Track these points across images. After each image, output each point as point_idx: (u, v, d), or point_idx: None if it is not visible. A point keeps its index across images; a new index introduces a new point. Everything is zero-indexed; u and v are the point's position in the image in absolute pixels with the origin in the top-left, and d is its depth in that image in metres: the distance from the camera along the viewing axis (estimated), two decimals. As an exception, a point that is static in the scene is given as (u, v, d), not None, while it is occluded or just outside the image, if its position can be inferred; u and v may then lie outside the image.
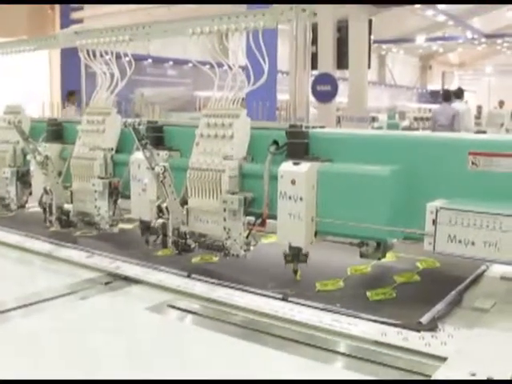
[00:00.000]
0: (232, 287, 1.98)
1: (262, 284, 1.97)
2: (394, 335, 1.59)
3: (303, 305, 1.81)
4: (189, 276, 2.08)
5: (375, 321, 1.68)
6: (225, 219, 2.08)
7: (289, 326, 1.70)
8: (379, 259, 2.02)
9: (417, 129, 15.69)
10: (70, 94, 10.22)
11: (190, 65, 17.43)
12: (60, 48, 3.56)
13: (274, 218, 2.03)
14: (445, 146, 1.89)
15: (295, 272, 2.03)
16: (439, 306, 1.77)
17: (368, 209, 1.85)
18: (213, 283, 2.01)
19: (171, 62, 18.12)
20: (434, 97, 32.80)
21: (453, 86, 35.18)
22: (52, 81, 11.82)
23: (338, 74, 12.26)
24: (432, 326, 1.63)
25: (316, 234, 1.98)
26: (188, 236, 2.21)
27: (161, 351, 1.54)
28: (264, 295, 1.89)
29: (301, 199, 1.93)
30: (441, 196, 1.77)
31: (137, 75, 14.02)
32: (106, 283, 2.08)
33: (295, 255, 2.00)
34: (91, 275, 2.16)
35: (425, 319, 1.67)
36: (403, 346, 1.54)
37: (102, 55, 2.70)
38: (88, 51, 2.73)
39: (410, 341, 1.56)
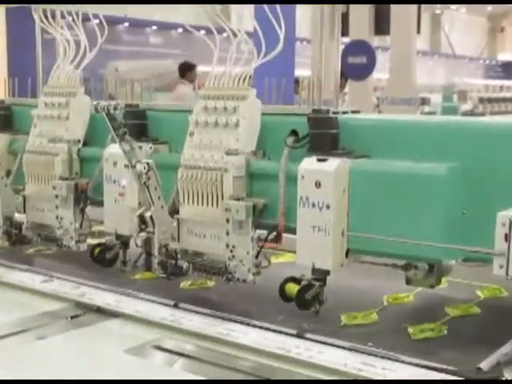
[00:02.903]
0: (233, 320, 1.99)
1: (271, 316, 1.99)
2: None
3: (324, 343, 1.82)
4: (176, 306, 2.10)
5: (419, 365, 1.68)
6: (228, 233, 2.10)
7: (305, 372, 1.70)
8: (432, 287, 2.03)
9: (483, 114, 15.61)
10: (189, 69, 9.60)
11: (180, 30, 17.45)
12: (4, 6, 3.54)
13: (292, 231, 2.05)
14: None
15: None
16: (506, 349, 1.77)
17: (418, 220, 1.86)
18: (208, 315, 2.03)
19: (155, 27, 18.15)
20: (506, 70, 32.57)
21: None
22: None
23: (376, 41, 12.26)
24: (496, 375, 1.64)
25: (348, 252, 1.99)
26: (179, 255, 2.22)
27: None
28: (273, 330, 1.91)
29: (328, 207, 1.94)
30: (514, 203, 1.77)
31: (110, 44, 14.06)
32: (72, 317, 2.09)
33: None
34: (51, 307, 2.17)
35: (486, 365, 1.67)
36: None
37: (63, 16, 2.71)
38: (45, 11, 2.74)
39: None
